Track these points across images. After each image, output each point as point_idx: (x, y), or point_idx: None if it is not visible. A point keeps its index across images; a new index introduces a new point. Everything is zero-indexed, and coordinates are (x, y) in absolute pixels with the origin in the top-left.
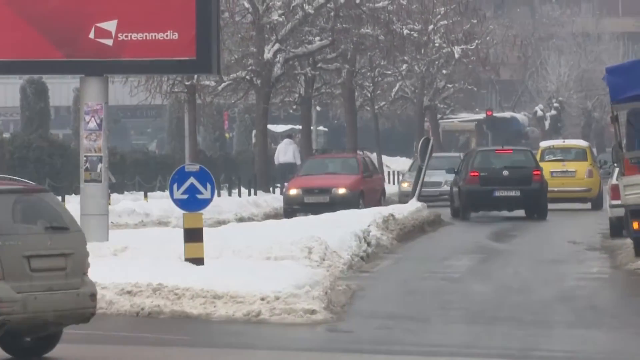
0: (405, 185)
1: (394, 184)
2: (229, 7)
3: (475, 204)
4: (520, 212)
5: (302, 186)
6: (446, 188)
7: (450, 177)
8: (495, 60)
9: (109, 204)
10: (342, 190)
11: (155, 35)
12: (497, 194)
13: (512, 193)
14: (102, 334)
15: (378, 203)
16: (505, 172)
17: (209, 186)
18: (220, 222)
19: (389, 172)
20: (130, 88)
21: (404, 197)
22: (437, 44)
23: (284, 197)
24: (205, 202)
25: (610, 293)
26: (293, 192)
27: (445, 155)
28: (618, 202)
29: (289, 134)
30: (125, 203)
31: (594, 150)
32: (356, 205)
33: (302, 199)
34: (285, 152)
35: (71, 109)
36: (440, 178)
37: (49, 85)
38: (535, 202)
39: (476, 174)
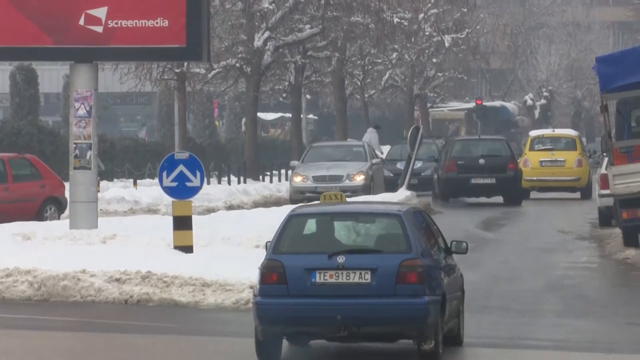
0: (298, 179)
1: None
2: None
3: (453, 190)
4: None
5: None
6: (348, 183)
7: (353, 170)
8: (485, 49)
9: (98, 191)
10: None
11: (145, 23)
12: (473, 181)
13: (488, 180)
14: (91, 321)
15: (31, 214)
16: (482, 161)
17: (198, 174)
18: (210, 210)
19: None
20: (120, 75)
21: (297, 194)
22: (427, 33)
23: None
24: (195, 190)
25: (598, 282)
26: None
27: (346, 143)
28: (607, 191)
29: (376, 124)
30: (115, 190)
31: (584, 139)
32: None
33: None
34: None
35: (61, 95)
36: (342, 171)
37: (38, 72)
38: (510, 189)
39: (454, 162)
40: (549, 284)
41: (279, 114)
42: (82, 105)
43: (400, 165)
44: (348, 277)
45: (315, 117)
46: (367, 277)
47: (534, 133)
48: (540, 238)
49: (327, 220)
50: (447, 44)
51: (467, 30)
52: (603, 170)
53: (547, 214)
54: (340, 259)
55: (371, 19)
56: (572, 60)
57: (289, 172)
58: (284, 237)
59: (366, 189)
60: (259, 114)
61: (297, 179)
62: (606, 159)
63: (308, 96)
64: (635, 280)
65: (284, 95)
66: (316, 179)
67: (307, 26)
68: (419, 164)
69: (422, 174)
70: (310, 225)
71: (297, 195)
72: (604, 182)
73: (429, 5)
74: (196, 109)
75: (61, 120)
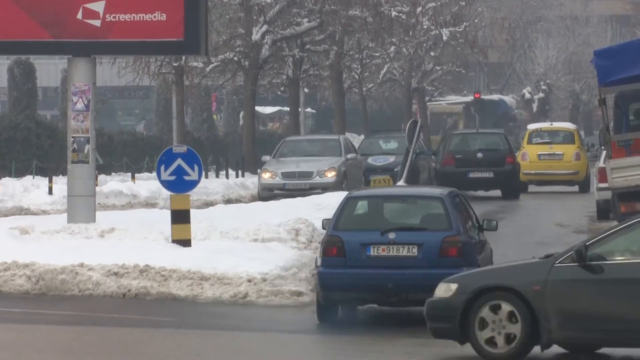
0: (266, 176)
1: None
2: None
3: (450, 184)
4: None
5: None
6: (318, 180)
7: (324, 165)
8: (483, 42)
9: (96, 185)
10: None
11: (143, 16)
12: (471, 175)
13: (486, 174)
14: (88, 315)
15: None
16: (480, 155)
17: (196, 168)
18: (208, 204)
19: None
20: (118, 69)
21: (265, 191)
22: (425, 26)
23: None
24: (193, 184)
25: None
26: None
27: (321, 137)
28: (605, 185)
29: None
30: (113, 184)
31: (582, 133)
32: None
33: None
34: None
35: (59, 89)
36: (312, 167)
37: (36, 65)
38: (507, 183)
39: (452, 156)
40: None
41: (276, 108)
42: (80, 99)
43: (372, 160)
44: (398, 251)
45: (313, 111)
46: (414, 251)
47: (532, 126)
48: (538, 232)
49: (379, 201)
50: (445, 38)
51: (465, 23)
52: (601, 164)
53: (545, 207)
54: (391, 235)
55: (369, 13)
56: (570, 53)
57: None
58: (343, 216)
59: (338, 185)
60: (257, 108)
61: (266, 176)
62: (604, 153)
63: (306, 90)
64: None
65: (282, 89)
66: (285, 175)
67: (305, 20)
68: (391, 159)
69: (396, 170)
70: (365, 206)
71: (266, 193)
72: (602, 175)
73: None
74: (194, 102)
75: (59, 114)
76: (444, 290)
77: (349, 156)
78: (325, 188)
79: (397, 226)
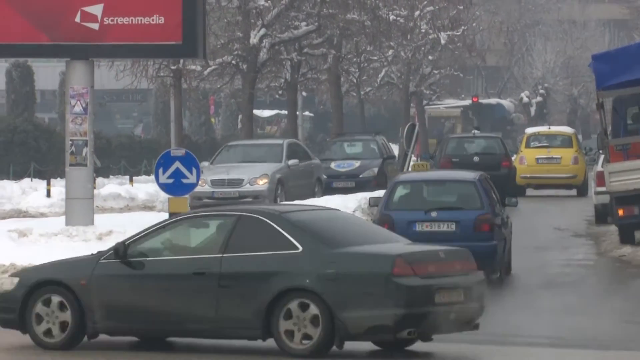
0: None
1: None
2: None
3: None
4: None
5: None
6: (249, 188)
7: (256, 172)
8: (481, 46)
9: (94, 188)
10: None
11: (141, 20)
12: None
13: None
14: None
15: None
16: (476, 158)
17: (194, 170)
18: (205, 207)
19: None
20: (116, 72)
21: (195, 200)
22: (423, 30)
23: None
24: (191, 187)
25: (595, 279)
26: None
27: (264, 142)
28: (603, 189)
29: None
30: (111, 187)
31: (580, 137)
32: None
33: None
34: None
35: (57, 92)
36: (243, 174)
37: (34, 68)
38: (504, 186)
39: (448, 159)
40: (545, 281)
41: (274, 111)
42: (78, 102)
43: (335, 166)
44: (439, 227)
45: (311, 115)
46: (453, 227)
47: (530, 130)
48: (536, 235)
49: (421, 185)
50: (443, 42)
51: (463, 27)
52: (599, 168)
53: (543, 211)
54: (433, 214)
55: (367, 16)
56: (567, 57)
57: None
58: (391, 198)
59: (271, 194)
60: (255, 111)
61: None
62: (602, 157)
63: (304, 93)
64: (631, 278)
65: (280, 92)
66: (214, 183)
67: (303, 23)
68: (356, 164)
69: (361, 176)
70: (410, 189)
71: (195, 202)
72: (600, 179)
73: (425, 2)
74: (192, 106)
75: (57, 117)
76: (9, 283)
77: (290, 162)
78: (256, 196)
79: (438, 206)
